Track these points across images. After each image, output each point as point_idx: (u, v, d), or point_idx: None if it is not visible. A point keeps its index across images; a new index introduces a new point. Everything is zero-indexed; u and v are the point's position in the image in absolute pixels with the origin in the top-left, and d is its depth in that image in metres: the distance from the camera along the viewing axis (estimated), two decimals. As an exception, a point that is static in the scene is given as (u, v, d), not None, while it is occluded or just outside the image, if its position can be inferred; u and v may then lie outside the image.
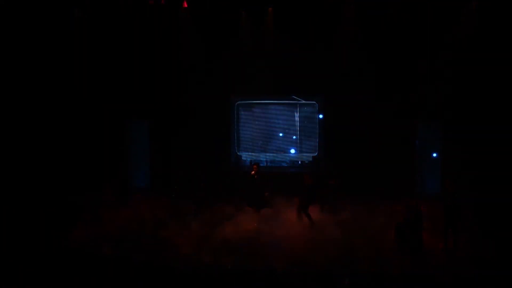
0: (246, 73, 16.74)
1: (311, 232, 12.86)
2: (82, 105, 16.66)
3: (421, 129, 16.75)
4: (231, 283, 9.84)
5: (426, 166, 16.78)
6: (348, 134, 16.48)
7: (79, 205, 14.52)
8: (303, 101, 17.50)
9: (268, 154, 17.79)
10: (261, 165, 15.93)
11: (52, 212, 13.88)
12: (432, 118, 16.41)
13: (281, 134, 17.83)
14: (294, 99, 17.46)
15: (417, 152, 16.73)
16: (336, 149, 16.71)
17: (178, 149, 17.08)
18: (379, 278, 10.08)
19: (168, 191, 16.23)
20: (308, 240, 12.22)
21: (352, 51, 16.14)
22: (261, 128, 17.91)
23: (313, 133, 17.59)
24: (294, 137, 17.72)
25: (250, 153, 17.90)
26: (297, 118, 17.68)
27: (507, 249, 11.38)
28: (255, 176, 14.03)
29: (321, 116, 17.40)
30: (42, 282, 9.83)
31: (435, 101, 16.05)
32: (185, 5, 16.15)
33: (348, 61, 16.22)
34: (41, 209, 14.05)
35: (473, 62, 15.11)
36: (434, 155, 16.71)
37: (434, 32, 15.59)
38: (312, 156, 17.63)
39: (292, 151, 17.72)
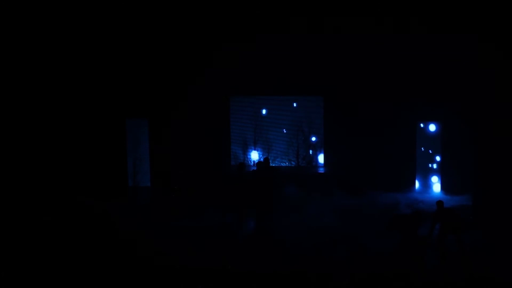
0: (246, 71, 16.73)
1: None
2: (82, 104, 16.64)
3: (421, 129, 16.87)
4: (231, 283, 9.84)
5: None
6: (349, 131, 16.57)
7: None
8: (305, 100, 17.63)
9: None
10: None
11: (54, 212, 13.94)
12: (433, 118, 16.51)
13: (284, 131, 17.95)
14: (296, 98, 17.55)
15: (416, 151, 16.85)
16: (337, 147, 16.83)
17: (178, 148, 17.06)
18: (378, 278, 10.07)
19: (168, 191, 16.21)
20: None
21: (352, 52, 16.18)
22: (261, 126, 17.97)
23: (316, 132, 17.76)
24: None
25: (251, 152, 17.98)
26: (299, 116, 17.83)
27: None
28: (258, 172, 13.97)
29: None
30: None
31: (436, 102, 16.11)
32: None
33: (349, 61, 16.26)
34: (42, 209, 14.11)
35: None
36: (438, 158, 16.82)
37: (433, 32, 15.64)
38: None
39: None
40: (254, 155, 17.83)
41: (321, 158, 17.73)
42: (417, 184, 16.80)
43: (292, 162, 17.90)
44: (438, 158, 16.78)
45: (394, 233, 11.83)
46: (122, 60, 16.59)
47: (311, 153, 17.76)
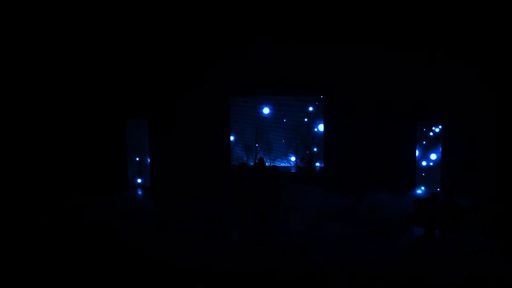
0: (246, 71, 16.71)
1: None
2: (84, 104, 16.67)
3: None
4: (231, 283, 9.83)
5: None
6: (349, 131, 16.57)
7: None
8: (305, 99, 17.70)
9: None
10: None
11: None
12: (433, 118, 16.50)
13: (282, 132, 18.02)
14: (296, 97, 17.59)
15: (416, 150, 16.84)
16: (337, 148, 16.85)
17: (178, 148, 17.06)
18: (378, 278, 10.06)
19: (168, 191, 16.23)
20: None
21: (352, 51, 16.18)
22: (262, 127, 18.00)
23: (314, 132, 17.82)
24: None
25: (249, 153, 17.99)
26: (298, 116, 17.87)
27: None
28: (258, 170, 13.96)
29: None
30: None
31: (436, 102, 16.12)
32: None
33: (350, 61, 16.27)
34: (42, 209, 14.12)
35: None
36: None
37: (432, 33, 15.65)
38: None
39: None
40: (266, 110, 17.88)
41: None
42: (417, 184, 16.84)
43: (291, 163, 17.95)
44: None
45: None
46: (123, 60, 16.63)
47: (308, 152, 17.84)
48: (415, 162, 16.75)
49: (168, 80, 16.92)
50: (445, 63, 15.68)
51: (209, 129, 17.02)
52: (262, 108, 17.96)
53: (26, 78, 16.12)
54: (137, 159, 17.50)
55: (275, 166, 14.78)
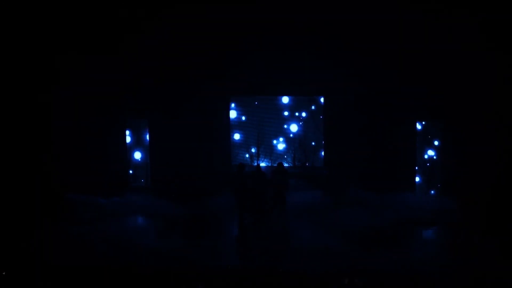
0: (246, 71, 16.70)
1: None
2: (82, 104, 16.69)
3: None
4: (231, 283, 9.84)
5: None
6: (349, 132, 16.57)
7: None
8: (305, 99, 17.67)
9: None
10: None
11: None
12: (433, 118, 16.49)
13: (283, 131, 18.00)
14: (296, 97, 17.57)
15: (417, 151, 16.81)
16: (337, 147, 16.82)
17: (178, 148, 17.06)
18: (377, 277, 10.04)
19: (168, 191, 16.24)
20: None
21: (353, 51, 16.19)
22: (262, 127, 18.00)
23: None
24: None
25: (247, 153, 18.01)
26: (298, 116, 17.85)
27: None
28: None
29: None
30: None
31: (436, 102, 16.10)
32: None
33: (350, 61, 16.27)
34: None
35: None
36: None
37: (432, 35, 15.63)
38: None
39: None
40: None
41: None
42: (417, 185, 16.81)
43: (289, 163, 17.94)
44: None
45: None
46: (123, 60, 16.61)
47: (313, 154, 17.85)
48: (415, 162, 16.71)
49: (168, 80, 16.89)
50: (445, 63, 15.70)
51: (209, 129, 16.99)
52: (262, 108, 17.97)
53: (26, 79, 16.15)
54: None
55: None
